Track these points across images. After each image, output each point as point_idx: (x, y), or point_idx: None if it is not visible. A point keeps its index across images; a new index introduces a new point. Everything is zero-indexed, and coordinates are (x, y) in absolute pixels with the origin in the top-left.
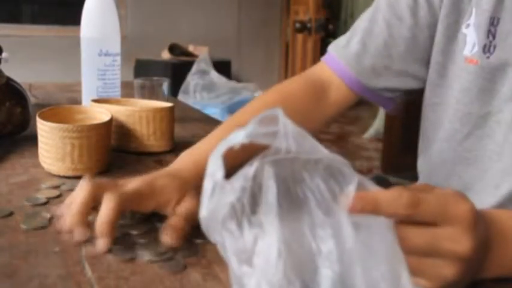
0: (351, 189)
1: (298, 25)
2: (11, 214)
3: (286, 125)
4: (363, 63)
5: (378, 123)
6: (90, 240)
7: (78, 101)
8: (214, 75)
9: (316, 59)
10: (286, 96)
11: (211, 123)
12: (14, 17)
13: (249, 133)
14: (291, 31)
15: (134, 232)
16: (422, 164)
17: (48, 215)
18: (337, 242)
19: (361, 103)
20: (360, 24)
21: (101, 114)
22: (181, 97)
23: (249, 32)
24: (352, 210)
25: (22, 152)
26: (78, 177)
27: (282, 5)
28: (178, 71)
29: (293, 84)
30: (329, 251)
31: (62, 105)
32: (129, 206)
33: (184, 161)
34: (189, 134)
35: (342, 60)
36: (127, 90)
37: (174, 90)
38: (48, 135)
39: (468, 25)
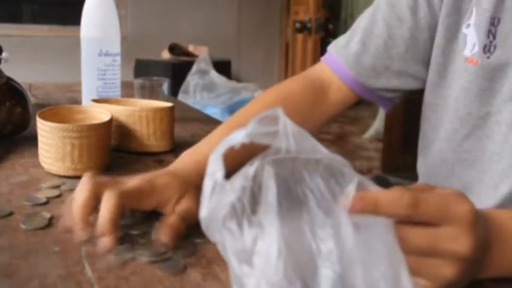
0: (351, 189)
1: (298, 25)
2: (11, 214)
3: (286, 124)
4: (362, 64)
5: (377, 123)
6: (90, 240)
7: (78, 101)
8: (214, 75)
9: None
10: (286, 96)
11: (211, 123)
12: (14, 17)
13: (249, 133)
14: (291, 31)
15: (134, 232)
16: (421, 165)
17: (48, 215)
18: (337, 242)
19: (361, 103)
20: (360, 24)
21: (101, 114)
22: (181, 97)
23: (249, 32)
24: (352, 210)
25: (22, 152)
26: (78, 177)
27: (282, 5)
28: (178, 71)
29: (293, 84)
30: (329, 251)
31: (62, 105)
32: (129, 203)
33: (185, 160)
34: (189, 134)
35: (342, 60)
36: (127, 90)
37: (174, 90)
38: (48, 135)
39: (468, 25)
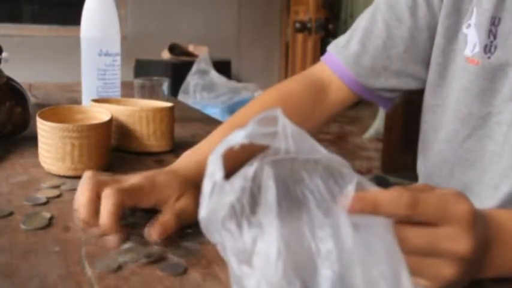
0: (350, 190)
1: (298, 25)
2: (11, 214)
3: (285, 125)
4: (362, 64)
5: (377, 123)
6: (90, 240)
7: (78, 101)
8: (214, 75)
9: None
10: (285, 96)
11: (211, 123)
12: (14, 17)
13: (248, 133)
14: (291, 31)
15: (134, 232)
16: (421, 165)
17: (48, 215)
18: (336, 242)
19: (361, 103)
20: (360, 24)
21: (101, 114)
22: (181, 97)
23: (249, 32)
24: (351, 211)
25: (22, 152)
26: (78, 177)
27: (282, 5)
28: (178, 71)
29: (293, 84)
30: (328, 251)
31: (62, 105)
32: (129, 201)
33: (185, 160)
34: (189, 134)
35: (341, 60)
36: (127, 90)
37: (174, 90)
38: (48, 135)
39: (469, 25)
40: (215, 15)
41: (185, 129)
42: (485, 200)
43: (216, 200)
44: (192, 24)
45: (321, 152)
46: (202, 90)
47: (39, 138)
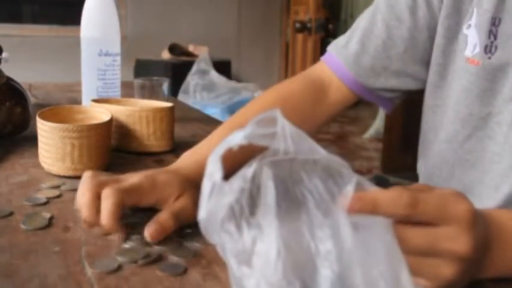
0: (349, 190)
1: (298, 25)
2: (11, 214)
3: (284, 126)
4: (361, 64)
5: (377, 123)
6: (90, 240)
7: (78, 101)
8: (214, 75)
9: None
10: (286, 96)
11: (211, 123)
12: (14, 17)
13: (247, 134)
14: (291, 31)
15: (134, 232)
16: (422, 166)
17: (48, 215)
18: (335, 242)
19: (361, 103)
20: (360, 24)
21: (101, 114)
22: (181, 97)
23: (249, 32)
24: (350, 211)
25: (22, 152)
26: (78, 177)
27: (282, 5)
28: (178, 71)
29: (293, 84)
30: (328, 251)
31: (62, 105)
32: (129, 200)
33: (185, 160)
34: (189, 134)
35: (341, 60)
36: (127, 90)
37: (174, 90)
38: (48, 135)
39: (469, 26)
40: (215, 15)
41: (185, 129)
42: (486, 201)
43: (215, 201)
44: (192, 24)
45: (320, 152)
46: (202, 90)
47: (39, 138)
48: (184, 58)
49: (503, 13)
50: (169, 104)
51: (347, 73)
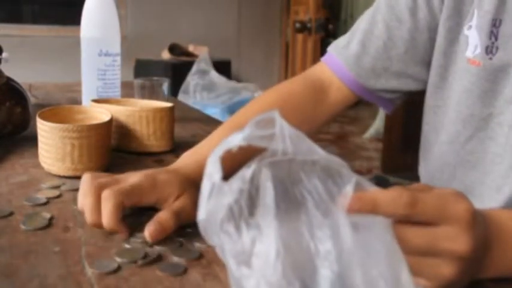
0: (348, 190)
1: (298, 25)
2: (11, 214)
3: (283, 127)
4: (362, 65)
5: (377, 123)
6: (90, 240)
7: (78, 101)
8: (214, 75)
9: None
10: (285, 97)
11: (211, 123)
12: (14, 17)
13: (246, 136)
14: (291, 31)
15: (134, 232)
16: (423, 169)
17: (48, 215)
18: (335, 243)
19: (361, 103)
20: (360, 25)
21: (101, 114)
22: (181, 97)
23: (249, 32)
24: (350, 210)
25: (22, 152)
26: (78, 178)
27: (282, 5)
28: (178, 71)
29: (293, 85)
30: (327, 251)
31: (62, 105)
32: (128, 201)
33: (185, 160)
34: (189, 134)
35: (342, 61)
36: (127, 90)
37: (174, 90)
38: (48, 135)
39: (470, 27)
40: (215, 15)
41: (185, 129)
42: (488, 202)
43: (214, 201)
44: (192, 24)
45: (319, 153)
46: (202, 90)
47: (39, 138)
48: (184, 58)
49: (504, 14)
50: (169, 104)
51: (347, 74)
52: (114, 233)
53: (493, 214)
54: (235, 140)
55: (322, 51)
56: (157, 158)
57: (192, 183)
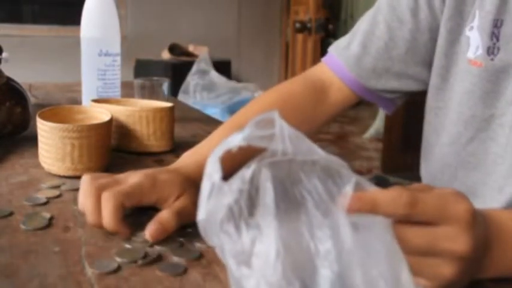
0: (348, 190)
1: (298, 25)
2: (11, 214)
3: (282, 127)
4: (363, 65)
5: (377, 123)
6: (90, 240)
7: (78, 101)
8: (214, 75)
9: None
10: (286, 97)
11: (211, 123)
12: (14, 17)
13: (246, 136)
14: (291, 31)
15: (134, 232)
16: (424, 170)
17: (48, 215)
18: (335, 243)
19: (361, 103)
20: (361, 25)
21: (101, 114)
22: (181, 97)
23: (249, 32)
24: (349, 210)
25: (22, 152)
26: (78, 178)
27: (282, 5)
28: (178, 71)
29: (293, 85)
30: (327, 251)
31: (62, 105)
32: (129, 201)
33: (186, 160)
34: (189, 134)
35: (343, 62)
36: (127, 90)
37: (174, 90)
38: (48, 135)
39: (471, 27)
40: (215, 15)
41: (185, 129)
42: (490, 203)
43: (214, 201)
44: (192, 24)
45: (319, 153)
46: (202, 90)
47: (39, 138)
48: (184, 58)
49: (505, 15)
50: (169, 104)
51: (348, 74)
52: (114, 233)
53: (493, 214)
54: (235, 140)
55: (322, 52)
56: (157, 158)
57: (192, 183)
